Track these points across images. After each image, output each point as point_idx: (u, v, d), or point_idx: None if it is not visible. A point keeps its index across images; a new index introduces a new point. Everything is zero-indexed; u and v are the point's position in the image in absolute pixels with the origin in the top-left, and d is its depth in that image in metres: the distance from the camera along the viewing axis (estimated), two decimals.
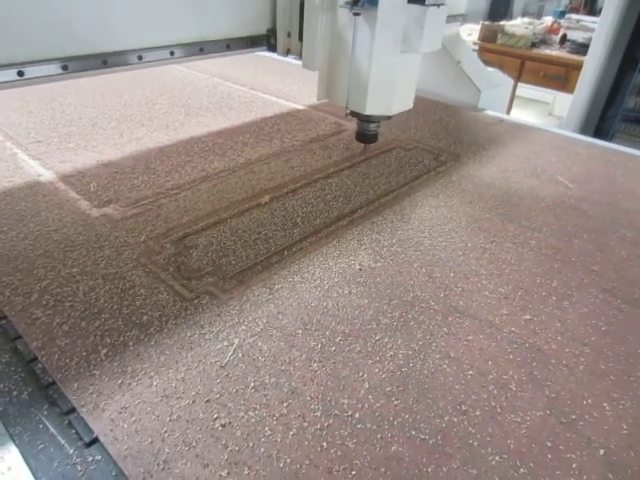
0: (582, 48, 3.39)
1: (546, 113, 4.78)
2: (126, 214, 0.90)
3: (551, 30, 3.86)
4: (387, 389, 0.58)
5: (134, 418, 0.53)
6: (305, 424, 0.53)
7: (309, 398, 0.56)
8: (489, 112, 1.55)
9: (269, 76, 1.84)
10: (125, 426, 0.52)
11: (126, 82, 1.65)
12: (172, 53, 1.03)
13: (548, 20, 4.08)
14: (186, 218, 0.90)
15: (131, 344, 0.62)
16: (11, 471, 0.48)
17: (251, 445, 0.51)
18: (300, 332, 0.66)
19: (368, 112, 0.99)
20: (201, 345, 0.63)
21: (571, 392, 0.59)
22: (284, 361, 0.61)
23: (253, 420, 0.53)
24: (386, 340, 0.65)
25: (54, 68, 0.87)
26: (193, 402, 0.55)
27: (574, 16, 4.25)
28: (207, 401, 0.55)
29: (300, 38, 1.09)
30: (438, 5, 0.86)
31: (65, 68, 0.88)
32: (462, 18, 1.58)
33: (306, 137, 1.29)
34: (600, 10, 2.83)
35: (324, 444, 0.51)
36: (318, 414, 0.54)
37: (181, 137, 1.25)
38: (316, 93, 1.06)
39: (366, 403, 0.56)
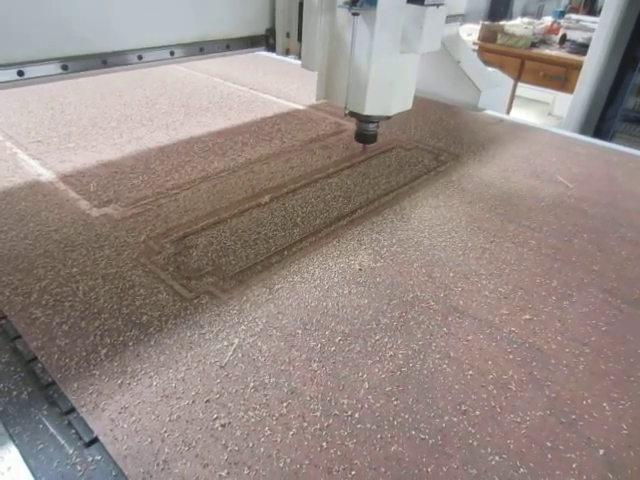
0: (582, 48, 3.39)
1: (546, 113, 4.78)
2: (126, 214, 0.90)
3: (551, 30, 3.86)
4: (387, 389, 0.58)
5: (134, 418, 0.53)
6: (305, 424, 0.53)
7: (309, 398, 0.56)
8: (489, 112, 1.55)
9: (269, 76, 1.84)
10: (125, 426, 0.52)
11: (126, 82, 1.65)
12: (172, 53, 1.03)
13: (548, 20, 4.07)
14: (186, 218, 0.90)
15: (131, 344, 0.62)
16: (11, 471, 0.48)
17: (251, 445, 0.51)
18: (300, 332, 0.66)
19: (367, 112, 0.99)
20: (201, 345, 0.63)
21: (571, 392, 0.59)
22: (284, 361, 0.61)
23: (253, 420, 0.53)
24: (386, 340, 0.65)
25: (54, 68, 0.87)
26: (193, 402, 0.55)
27: (574, 16, 4.25)
28: (207, 401, 0.55)
29: (299, 38, 1.09)
30: (437, 5, 0.86)
31: (65, 68, 0.88)
32: (462, 18, 1.58)
33: (306, 137, 1.29)
34: (600, 10, 2.83)
35: (324, 444, 0.51)
36: (318, 414, 0.54)
37: (181, 137, 1.25)
38: (315, 93, 1.06)
39: (366, 403, 0.56)
